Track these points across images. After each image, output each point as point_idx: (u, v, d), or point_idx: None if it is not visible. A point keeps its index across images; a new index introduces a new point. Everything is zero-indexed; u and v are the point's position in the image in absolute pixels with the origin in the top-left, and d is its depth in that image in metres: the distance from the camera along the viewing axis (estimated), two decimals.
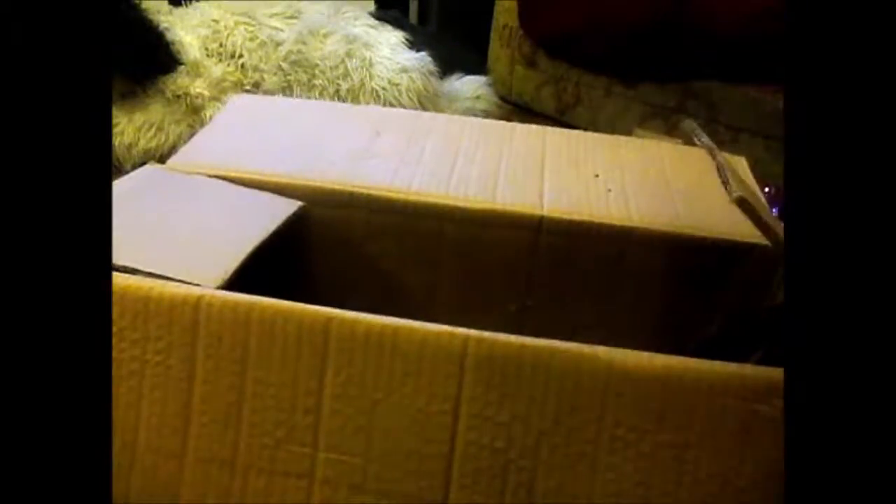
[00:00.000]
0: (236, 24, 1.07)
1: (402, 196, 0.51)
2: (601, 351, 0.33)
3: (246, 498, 0.34)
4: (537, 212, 0.50)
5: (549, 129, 0.61)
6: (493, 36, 1.44)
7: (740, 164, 0.57)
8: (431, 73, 1.09)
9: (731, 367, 0.33)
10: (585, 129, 0.63)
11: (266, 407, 0.34)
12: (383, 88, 1.06)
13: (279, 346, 0.34)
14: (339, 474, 0.34)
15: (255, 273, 0.41)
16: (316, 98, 1.06)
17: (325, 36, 1.09)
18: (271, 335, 0.34)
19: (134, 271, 0.36)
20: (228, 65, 1.06)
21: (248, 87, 1.06)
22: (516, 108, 1.37)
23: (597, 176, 0.54)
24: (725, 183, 0.38)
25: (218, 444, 0.34)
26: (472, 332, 0.34)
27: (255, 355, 0.34)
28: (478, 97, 1.15)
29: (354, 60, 1.07)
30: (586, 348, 0.33)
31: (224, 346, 0.34)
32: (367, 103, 1.04)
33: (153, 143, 0.99)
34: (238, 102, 0.64)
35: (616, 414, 0.33)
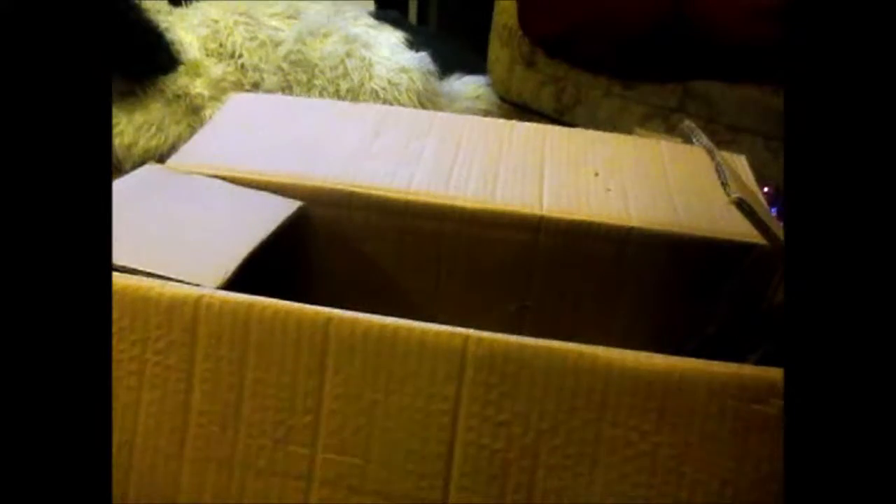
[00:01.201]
0: (236, 23, 1.07)
1: (401, 196, 0.51)
2: (601, 351, 0.33)
3: (244, 498, 0.34)
4: (537, 211, 0.50)
5: (548, 127, 0.61)
6: (493, 36, 1.44)
7: (740, 164, 0.57)
8: (431, 73, 1.09)
9: (731, 367, 0.33)
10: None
11: (265, 407, 0.34)
12: (383, 88, 1.06)
13: (278, 345, 0.34)
14: (338, 476, 0.34)
15: (255, 273, 0.41)
16: (316, 98, 1.06)
17: (325, 36, 1.09)
18: (271, 335, 0.34)
19: (134, 271, 0.36)
20: (228, 65, 1.06)
21: (247, 87, 1.06)
22: (516, 108, 1.37)
23: (596, 175, 0.54)
24: (724, 184, 0.37)
25: (216, 445, 0.34)
26: (472, 332, 0.33)
27: (255, 355, 0.34)
28: (477, 97, 1.15)
29: (354, 60, 1.07)
30: (586, 348, 0.33)
31: (223, 346, 0.34)
32: (367, 103, 1.04)
33: (153, 143, 0.99)
34: (237, 101, 0.64)
35: (616, 414, 0.33)
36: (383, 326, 0.34)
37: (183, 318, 0.35)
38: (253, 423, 0.34)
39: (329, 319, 0.34)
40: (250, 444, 0.34)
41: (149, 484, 0.35)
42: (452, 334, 0.33)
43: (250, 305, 0.34)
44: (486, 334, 0.33)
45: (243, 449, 0.34)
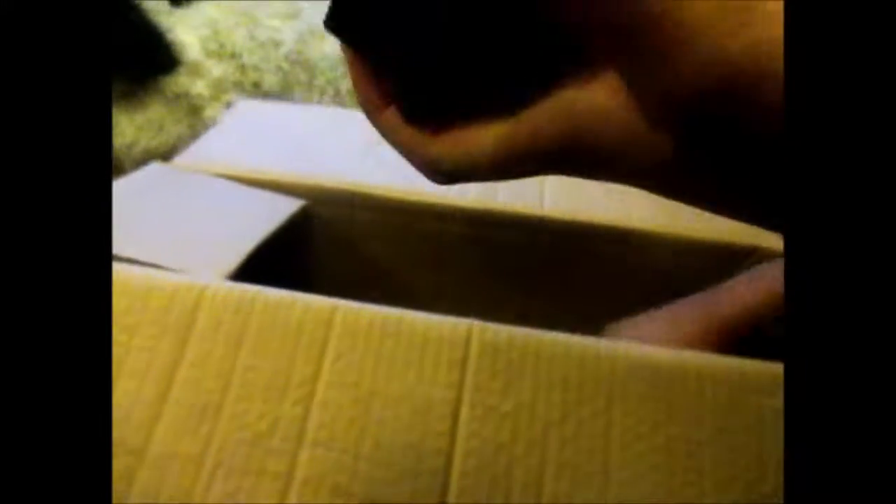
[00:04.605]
0: (236, 24, 1.07)
1: (403, 196, 0.51)
2: (604, 343, 0.33)
3: (208, 499, 0.31)
4: (538, 212, 0.50)
5: None
6: None
7: None
8: None
9: (737, 361, 0.33)
10: None
11: (252, 396, 0.32)
12: None
13: (279, 331, 0.33)
14: (322, 473, 0.31)
15: (258, 271, 0.41)
16: (316, 98, 1.06)
17: (326, 36, 1.09)
18: (272, 321, 0.33)
19: (139, 263, 0.36)
20: (228, 65, 1.06)
21: (248, 87, 1.06)
22: None
23: None
24: None
25: (189, 438, 0.31)
26: (477, 322, 0.33)
27: (253, 340, 0.33)
28: None
29: None
30: (590, 340, 0.33)
31: (221, 331, 0.33)
32: None
33: (153, 143, 0.99)
34: (243, 107, 0.65)
35: (624, 405, 0.32)
36: (387, 316, 0.33)
37: (184, 305, 0.34)
38: (235, 415, 0.32)
39: (335, 308, 0.34)
40: (228, 437, 0.31)
41: None
42: (457, 323, 0.33)
43: (255, 294, 0.34)
44: (490, 325, 0.33)
45: (218, 443, 0.31)
